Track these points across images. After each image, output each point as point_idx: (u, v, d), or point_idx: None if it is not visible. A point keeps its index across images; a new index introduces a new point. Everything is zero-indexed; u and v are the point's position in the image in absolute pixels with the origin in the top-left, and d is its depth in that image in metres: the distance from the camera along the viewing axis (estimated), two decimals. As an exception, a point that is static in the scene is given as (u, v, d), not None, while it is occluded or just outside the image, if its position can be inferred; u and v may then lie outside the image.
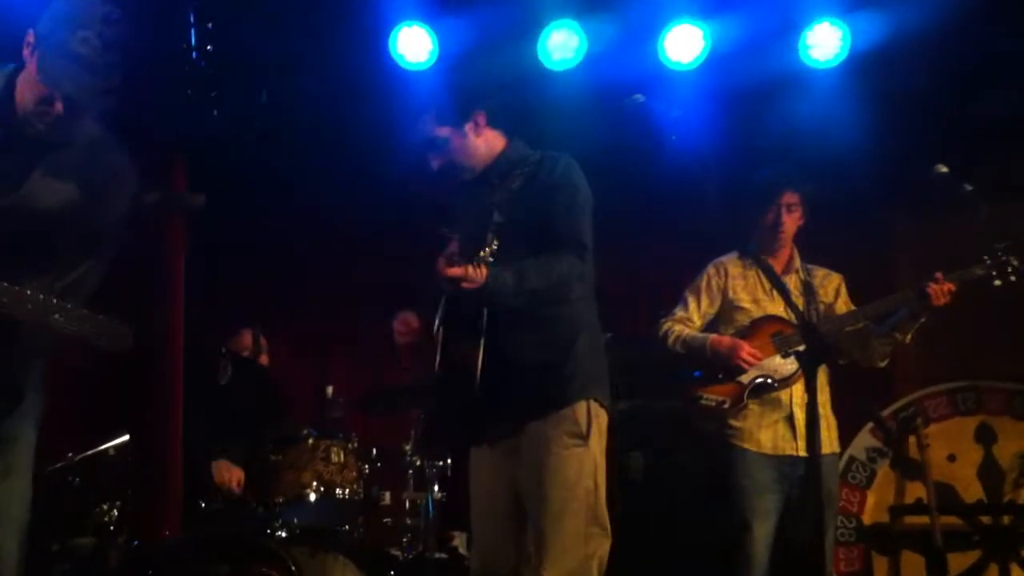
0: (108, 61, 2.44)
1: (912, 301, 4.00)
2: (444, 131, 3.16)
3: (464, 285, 2.82)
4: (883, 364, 4.22)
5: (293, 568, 2.89)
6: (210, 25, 3.34)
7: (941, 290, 3.94)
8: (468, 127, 3.17)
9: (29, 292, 2.41)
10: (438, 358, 3.08)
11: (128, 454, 4.00)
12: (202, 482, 4.18)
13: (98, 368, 4.43)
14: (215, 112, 3.32)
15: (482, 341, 2.94)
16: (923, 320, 4.04)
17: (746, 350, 4.01)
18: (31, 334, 2.52)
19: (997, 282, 4.04)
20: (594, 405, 3.07)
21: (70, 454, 4.04)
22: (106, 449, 4.03)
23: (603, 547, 3.03)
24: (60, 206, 2.55)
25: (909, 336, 4.11)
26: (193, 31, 3.20)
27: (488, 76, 4.87)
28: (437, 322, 3.08)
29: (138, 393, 4.46)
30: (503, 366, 2.97)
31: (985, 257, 4.04)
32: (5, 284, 2.41)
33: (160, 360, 4.29)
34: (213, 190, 3.09)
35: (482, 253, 2.81)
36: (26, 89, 2.50)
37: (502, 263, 2.88)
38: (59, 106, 2.46)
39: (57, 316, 2.43)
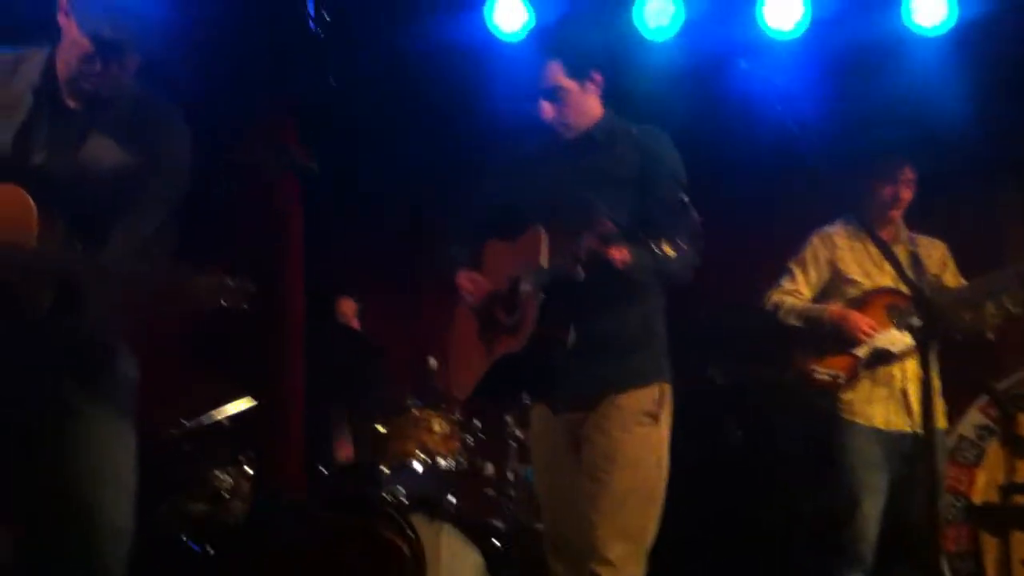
0: (143, 4, 2.51)
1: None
2: (570, 83, 3.11)
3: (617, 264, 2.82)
4: (991, 335, 4.10)
5: (412, 534, 2.93)
6: None
7: None
8: (588, 84, 3.15)
9: (71, 253, 2.47)
10: (529, 329, 3.02)
11: (244, 420, 4.09)
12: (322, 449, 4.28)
13: (212, 333, 4.60)
14: (330, 78, 3.36)
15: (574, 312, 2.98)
16: None
17: (866, 321, 3.93)
18: (98, 297, 2.56)
19: None
20: (667, 387, 3.10)
21: (184, 421, 4.17)
22: (221, 418, 4.14)
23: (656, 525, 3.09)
24: (118, 164, 2.60)
25: (1019, 307, 3.99)
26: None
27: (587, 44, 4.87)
28: (530, 289, 3.02)
29: (260, 356, 4.54)
30: (593, 337, 2.99)
31: None
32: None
33: (282, 322, 4.37)
34: (324, 155, 3.12)
35: (662, 246, 2.72)
36: (68, 53, 2.56)
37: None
38: (99, 64, 2.52)
39: (135, 270, 2.50)
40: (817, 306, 4.07)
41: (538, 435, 3.23)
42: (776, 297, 4.15)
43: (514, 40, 5.09)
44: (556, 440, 3.15)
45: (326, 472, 4.01)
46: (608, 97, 5.00)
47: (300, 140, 4.06)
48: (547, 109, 3.14)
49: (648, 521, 3.03)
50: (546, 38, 3.25)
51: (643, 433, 3.02)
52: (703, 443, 5.06)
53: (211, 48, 3.92)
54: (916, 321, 3.66)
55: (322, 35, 3.20)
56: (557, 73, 3.10)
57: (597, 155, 3.14)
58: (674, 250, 2.70)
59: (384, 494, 3.89)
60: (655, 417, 3.04)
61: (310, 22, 3.37)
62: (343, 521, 3.41)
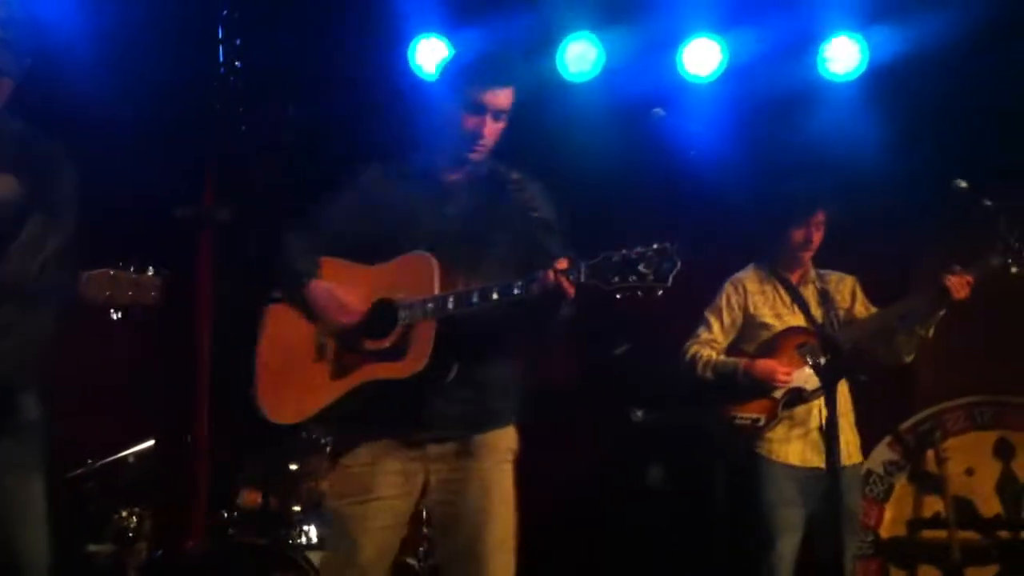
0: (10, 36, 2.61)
1: (931, 296, 3.98)
2: (509, 107, 3.07)
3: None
4: (910, 359, 4.20)
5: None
6: (239, 42, 3.39)
7: (960, 282, 3.92)
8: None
9: None
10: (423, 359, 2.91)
11: (149, 461, 4.02)
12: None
13: (123, 375, 4.52)
14: (243, 127, 3.36)
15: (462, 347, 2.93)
16: (942, 314, 4.02)
17: (781, 370, 4.00)
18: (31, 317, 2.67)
19: (1014, 269, 3.99)
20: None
21: (90, 460, 4.08)
22: (126, 456, 4.07)
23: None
24: (8, 194, 2.68)
25: (931, 330, 4.09)
26: (222, 48, 3.24)
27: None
28: (423, 318, 2.92)
29: (164, 404, 4.50)
30: (473, 373, 2.96)
31: (1000, 244, 4.01)
32: None
33: (188, 371, 4.33)
34: (241, 203, 3.13)
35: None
36: None
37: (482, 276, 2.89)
38: None
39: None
40: (731, 360, 4.14)
41: (377, 469, 3.00)
42: (693, 349, 4.22)
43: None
44: (407, 472, 3.02)
45: (227, 516, 3.93)
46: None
47: (217, 192, 4.04)
48: (493, 128, 3.06)
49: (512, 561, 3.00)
50: (507, 62, 3.20)
51: (510, 470, 3.04)
52: (624, 483, 5.12)
53: (118, 97, 3.92)
54: (821, 360, 3.77)
55: (236, 83, 3.20)
56: (510, 98, 3.05)
57: (486, 192, 3.10)
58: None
59: (289, 538, 3.84)
60: (515, 456, 3.06)
61: (221, 69, 3.36)
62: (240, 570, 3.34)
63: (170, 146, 4.05)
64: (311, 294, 2.99)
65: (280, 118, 3.56)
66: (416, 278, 2.94)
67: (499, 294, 2.84)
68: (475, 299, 2.85)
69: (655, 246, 2.66)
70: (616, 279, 2.66)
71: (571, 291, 2.71)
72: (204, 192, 3.90)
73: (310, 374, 2.98)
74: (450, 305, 2.87)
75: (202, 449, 4.33)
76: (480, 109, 3.02)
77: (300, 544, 3.89)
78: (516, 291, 2.80)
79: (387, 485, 2.97)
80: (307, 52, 4.37)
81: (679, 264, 2.65)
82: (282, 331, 3.02)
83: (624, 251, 2.67)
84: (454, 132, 3.06)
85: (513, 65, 3.16)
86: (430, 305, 2.89)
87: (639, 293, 2.67)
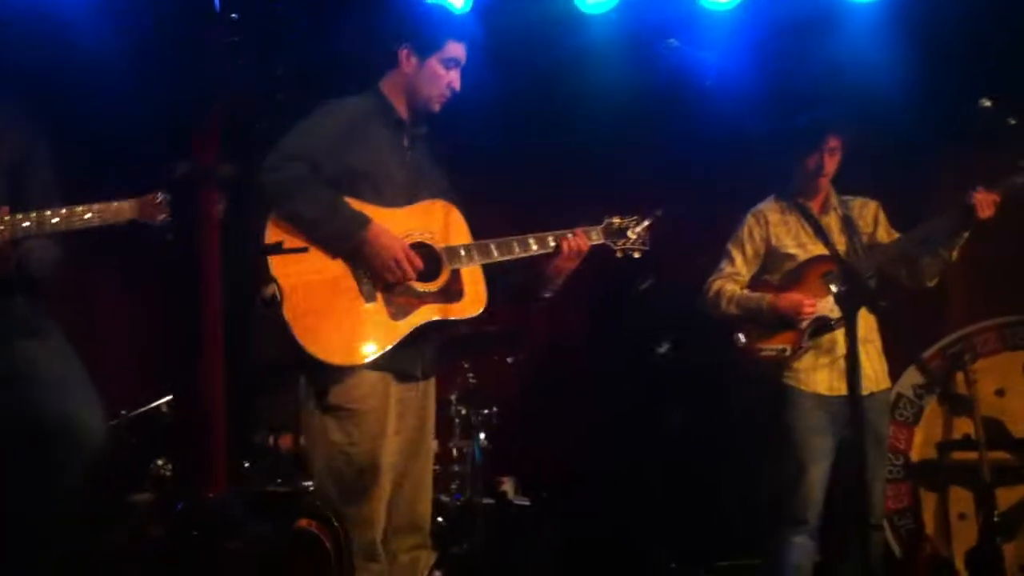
0: None
1: (956, 216, 3.94)
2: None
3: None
4: (933, 283, 4.17)
5: (336, 523, 2.96)
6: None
7: (986, 200, 3.87)
8: None
9: None
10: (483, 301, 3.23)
11: (169, 415, 4.11)
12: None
13: (136, 332, 4.58)
14: (242, 81, 3.37)
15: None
16: (967, 235, 3.98)
17: (806, 303, 3.98)
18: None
19: None
20: None
21: (123, 411, 4.17)
22: (159, 406, 4.15)
23: None
24: None
25: (955, 252, 4.06)
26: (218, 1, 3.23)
27: (525, 18, 4.88)
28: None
29: (179, 357, 4.56)
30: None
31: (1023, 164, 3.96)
32: None
33: (198, 323, 4.38)
34: (247, 158, 3.13)
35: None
36: None
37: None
38: None
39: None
40: (755, 295, 4.12)
41: (382, 404, 3.13)
42: (717, 284, 4.20)
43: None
44: (402, 410, 3.20)
45: (249, 466, 4.00)
46: (544, 71, 5.01)
47: (222, 149, 4.05)
48: (456, 81, 3.25)
49: None
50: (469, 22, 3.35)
51: None
52: (650, 416, 5.16)
53: (120, 63, 3.94)
54: (842, 288, 3.75)
55: (236, 39, 3.19)
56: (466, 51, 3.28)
57: (428, 145, 3.36)
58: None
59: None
60: None
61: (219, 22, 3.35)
62: (257, 522, 3.42)
63: (168, 105, 4.06)
64: (374, 237, 3.03)
65: (274, 75, 3.56)
66: (440, 224, 3.16)
67: (537, 245, 3.21)
68: (516, 249, 3.18)
69: (643, 219, 3.38)
70: (620, 242, 3.33)
71: (587, 249, 3.24)
72: (205, 149, 3.91)
73: (363, 315, 3.04)
74: (495, 252, 3.16)
75: (217, 400, 4.39)
76: (455, 63, 3.22)
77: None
78: (552, 243, 3.20)
79: (392, 420, 3.14)
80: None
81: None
82: (308, 276, 2.99)
83: (619, 218, 3.36)
84: (438, 84, 3.23)
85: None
86: (475, 252, 3.16)
87: (634, 255, 3.38)
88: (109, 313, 4.82)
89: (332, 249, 3.02)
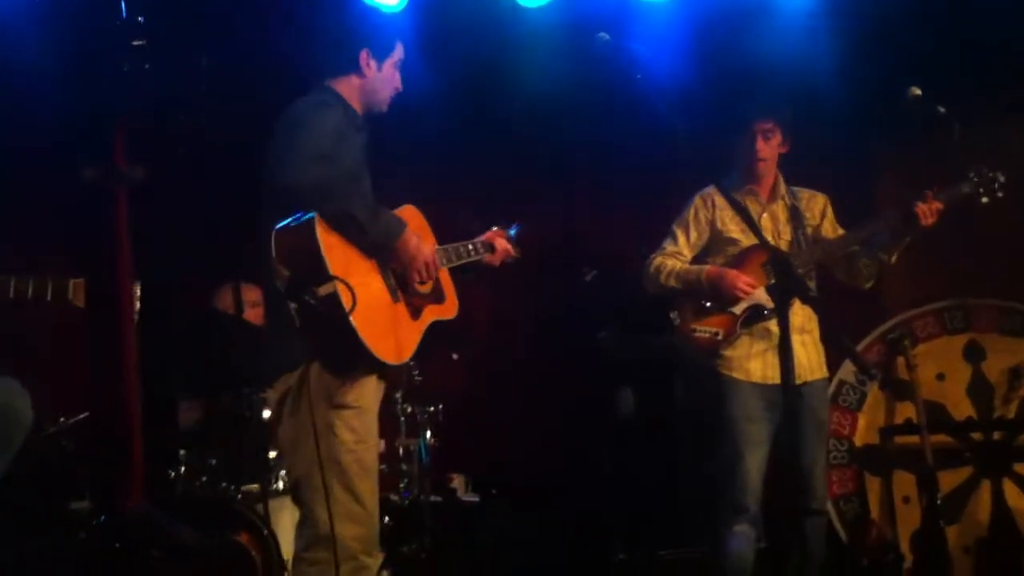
0: None
1: (898, 222, 4.00)
2: None
3: None
4: (868, 286, 4.23)
5: (266, 532, 2.93)
6: None
7: (929, 209, 3.93)
8: None
9: None
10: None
11: (90, 428, 4.07)
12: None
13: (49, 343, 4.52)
14: (151, 83, 3.33)
15: None
16: (908, 240, 4.04)
17: (742, 279, 4.01)
18: None
19: (984, 199, 4.04)
20: None
21: (62, 418, 4.12)
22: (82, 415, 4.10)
23: None
24: None
25: (894, 257, 4.12)
26: (124, 2, 3.19)
27: (460, 13, 4.87)
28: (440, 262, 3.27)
29: (93, 367, 4.52)
30: None
31: (971, 174, 4.03)
32: None
33: (110, 333, 4.33)
34: (160, 159, 3.09)
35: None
36: None
37: None
38: None
39: None
40: (695, 267, 4.14)
41: (377, 404, 3.18)
42: (658, 260, 4.21)
43: (391, 11, 5.01)
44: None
45: (174, 475, 3.96)
46: (480, 64, 5.00)
47: (129, 151, 4.00)
48: (399, 81, 3.31)
49: None
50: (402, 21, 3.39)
51: None
52: (596, 407, 5.18)
53: (28, 68, 3.89)
54: (775, 278, 3.78)
55: (141, 38, 3.15)
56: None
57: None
58: None
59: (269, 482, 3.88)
60: None
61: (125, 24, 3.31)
62: (180, 531, 3.38)
63: (77, 108, 4.01)
64: (410, 239, 3.08)
65: (193, 69, 3.52)
66: (417, 226, 3.25)
67: (475, 252, 3.39)
68: (472, 252, 3.38)
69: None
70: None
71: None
72: (113, 151, 3.85)
73: (396, 316, 3.09)
74: (455, 256, 3.30)
75: (134, 409, 4.35)
76: (400, 63, 3.29)
77: (277, 490, 3.95)
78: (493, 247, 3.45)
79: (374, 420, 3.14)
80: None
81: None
82: (355, 277, 2.94)
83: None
84: (391, 85, 3.30)
85: None
86: (447, 253, 3.28)
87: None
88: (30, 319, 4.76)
89: (374, 250, 3.04)
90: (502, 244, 3.50)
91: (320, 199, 2.92)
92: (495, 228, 3.51)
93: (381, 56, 3.25)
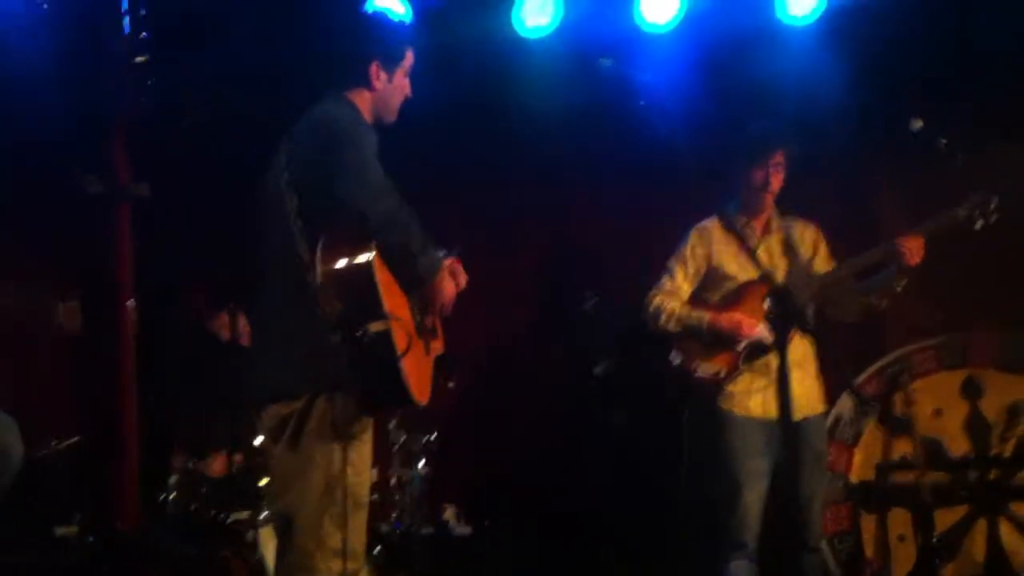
0: None
1: (889, 261, 3.98)
2: None
3: None
4: (852, 320, 4.21)
5: (258, 554, 2.88)
6: (143, 12, 3.30)
7: (914, 246, 3.91)
8: None
9: None
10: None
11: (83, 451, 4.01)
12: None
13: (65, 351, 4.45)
14: (152, 98, 3.29)
15: None
16: (903, 283, 4.02)
17: (746, 324, 3.98)
18: None
19: (979, 224, 4.00)
20: None
21: (54, 441, 4.05)
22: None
23: None
24: None
25: (884, 302, 4.10)
26: (127, 19, 3.15)
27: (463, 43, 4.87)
28: None
29: (90, 388, 4.46)
30: None
31: (968, 199, 4.00)
32: None
33: (109, 356, 4.27)
34: (162, 176, 3.03)
35: None
36: None
37: None
38: None
39: None
40: (695, 313, 4.11)
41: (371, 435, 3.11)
42: (658, 300, 4.18)
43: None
44: None
45: (164, 498, 3.90)
46: (484, 94, 4.99)
47: (131, 166, 3.95)
48: (409, 87, 3.21)
49: None
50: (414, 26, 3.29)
51: None
52: (599, 442, 5.13)
53: (30, 81, 3.84)
54: (775, 311, 3.76)
55: (147, 58, 3.11)
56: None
57: None
58: None
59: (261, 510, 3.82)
60: None
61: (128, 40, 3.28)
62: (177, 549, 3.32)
63: (74, 116, 3.97)
64: (446, 275, 3.05)
65: (196, 82, 3.48)
66: None
67: None
68: None
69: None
70: None
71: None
72: (115, 166, 3.79)
73: (419, 353, 3.00)
74: None
75: (130, 432, 4.28)
76: (410, 70, 3.18)
77: (267, 518, 3.87)
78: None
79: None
80: (219, 16, 4.26)
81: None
82: (399, 315, 2.87)
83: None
84: (401, 94, 3.19)
85: None
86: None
87: None
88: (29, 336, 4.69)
89: (410, 283, 2.98)
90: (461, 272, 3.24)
91: (386, 231, 2.83)
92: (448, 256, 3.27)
93: (391, 67, 3.15)
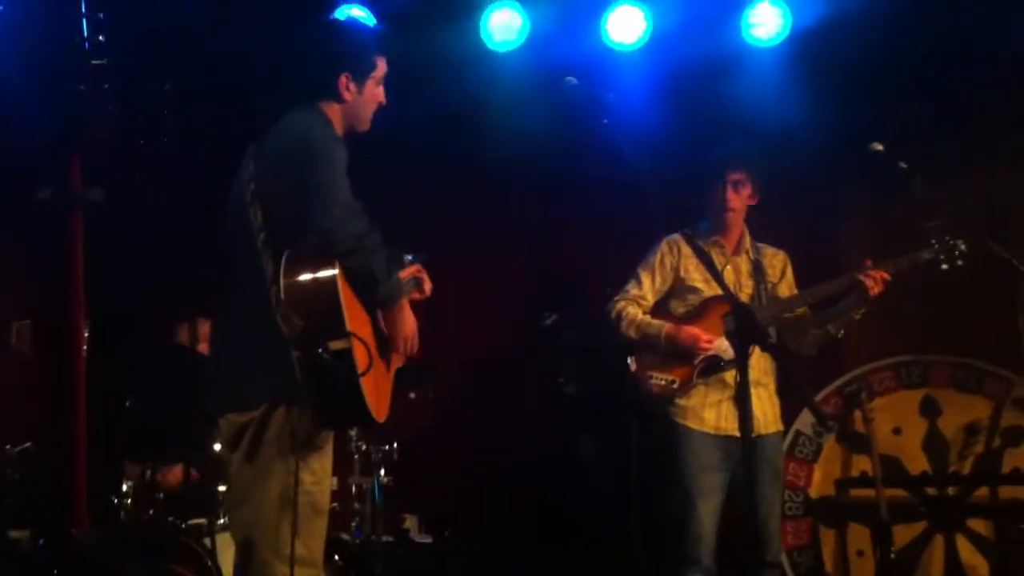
0: None
1: (850, 291, 4.04)
2: None
3: None
4: (811, 353, 4.26)
5: (210, 564, 2.86)
6: (102, 15, 3.28)
7: (876, 278, 3.97)
8: None
9: None
10: None
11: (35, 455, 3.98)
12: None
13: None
14: (109, 106, 3.27)
15: None
16: (862, 312, 4.08)
17: (703, 339, 4.02)
18: None
19: (944, 266, 4.09)
20: None
21: (8, 446, 4.03)
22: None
23: None
24: None
25: (842, 332, 4.16)
26: (85, 22, 3.13)
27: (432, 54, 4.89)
28: None
29: (42, 395, 4.42)
30: None
31: (933, 241, 4.09)
32: None
33: (61, 362, 4.24)
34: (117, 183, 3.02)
35: None
36: None
37: None
38: None
39: None
40: (656, 323, 4.14)
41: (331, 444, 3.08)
42: (621, 304, 4.21)
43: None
44: None
45: (116, 502, 3.87)
46: (452, 107, 5.00)
47: (84, 172, 3.93)
48: (383, 95, 3.18)
49: None
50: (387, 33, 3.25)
51: None
52: (553, 448, 5.15)
53: None
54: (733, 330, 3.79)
55: (102, 59, 3.10)
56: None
57: None
58: None
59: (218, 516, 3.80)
60: None
61: (85, 44, 3.25)
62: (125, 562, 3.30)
63: (34, 129, 3.95)
64: (406, 305, 3.04)
65: (157, 93, 3.47)
66: None
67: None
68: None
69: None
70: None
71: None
72: (70, 173, 3.77)
73: (379, 371, 2.97)
74: None
75: (81, 438, 4.25)
76: (382, 78, 3.15)
77: (223, 524, 3.87)
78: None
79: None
80: (180, 25, 4.24)
81: None
82: (361, 334, 2.82)
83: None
84: (373, 104, 3.15)
85: None
86: None
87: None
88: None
89: (372, 305, 2.96)
90: (426, 279, 3.28)
91: (351, 254, 2.80)
92: (414, 262, 3.29)
93: (361, 78, 3.11)
